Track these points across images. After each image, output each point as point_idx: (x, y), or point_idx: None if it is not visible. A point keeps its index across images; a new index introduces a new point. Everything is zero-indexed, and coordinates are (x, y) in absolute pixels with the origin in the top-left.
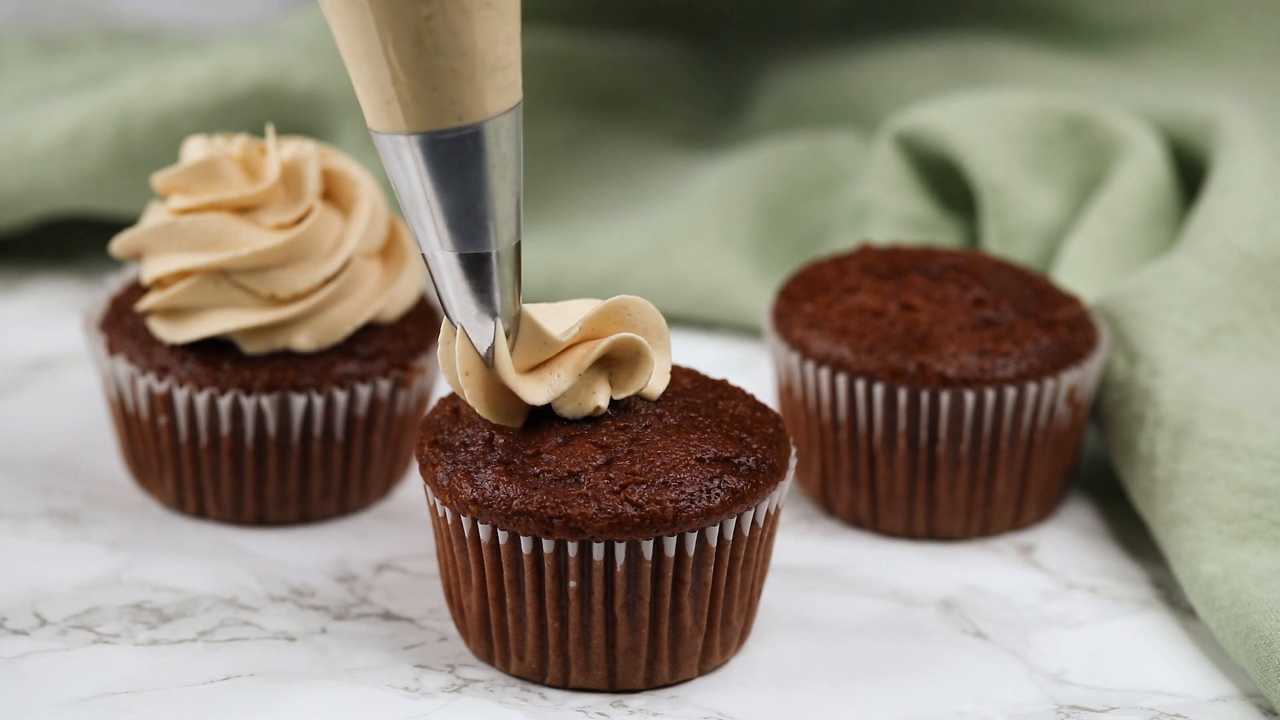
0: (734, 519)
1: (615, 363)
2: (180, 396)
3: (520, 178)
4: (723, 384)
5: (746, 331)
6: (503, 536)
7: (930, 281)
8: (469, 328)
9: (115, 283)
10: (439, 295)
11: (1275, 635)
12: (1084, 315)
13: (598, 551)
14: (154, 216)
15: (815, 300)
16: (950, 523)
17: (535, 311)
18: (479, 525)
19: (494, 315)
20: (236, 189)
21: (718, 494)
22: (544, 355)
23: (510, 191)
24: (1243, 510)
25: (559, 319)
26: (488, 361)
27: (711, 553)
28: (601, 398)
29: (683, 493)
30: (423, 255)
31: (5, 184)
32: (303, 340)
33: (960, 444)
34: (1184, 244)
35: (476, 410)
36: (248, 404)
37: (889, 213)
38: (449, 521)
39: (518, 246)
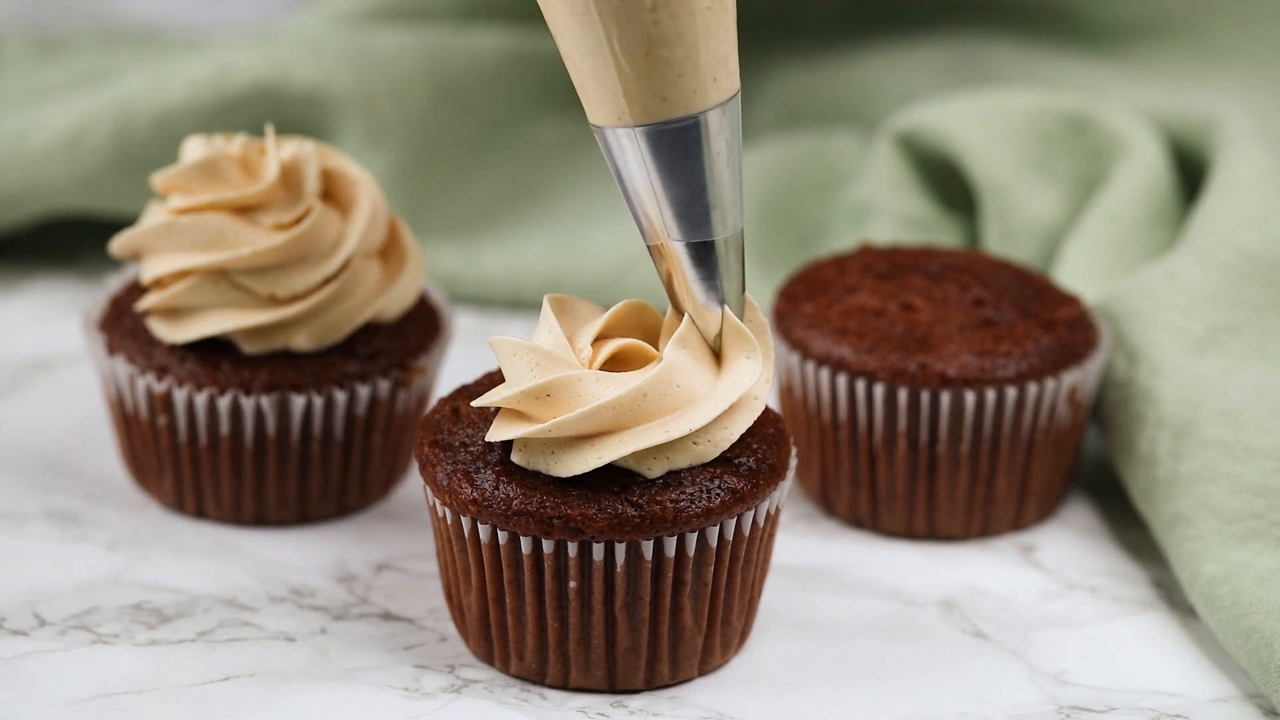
0: (734, 519)
1: (620, 362)
2: (180, 396)
3: (740, 165)
4: None
5: None
6: (503, 537)
7: (930, 281)
8: (697, 316)
9: (115, 282)
10: (666, 287)
11: (1276, 636)
12: (1084, 315)
13: (598, 552)
14: (153, 216)
15: (815, 300)
16: (951, 523)
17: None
18: (479, 525)
19: (720, 302)
20: (236, 189)
21: (718, 494)
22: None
23: (732, 179)
24: (1243, 510)
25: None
26: (715, 349)
27: (711, 553)
28: None
29: (683, 493)
30: (648, 247)
31: (5, 184)
32: (302, 340)
33: (960, 444)
34: (1184, 244)
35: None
36: (247, 404)
37: (889, 213)
38: (449, 521)
39: (740, 234)
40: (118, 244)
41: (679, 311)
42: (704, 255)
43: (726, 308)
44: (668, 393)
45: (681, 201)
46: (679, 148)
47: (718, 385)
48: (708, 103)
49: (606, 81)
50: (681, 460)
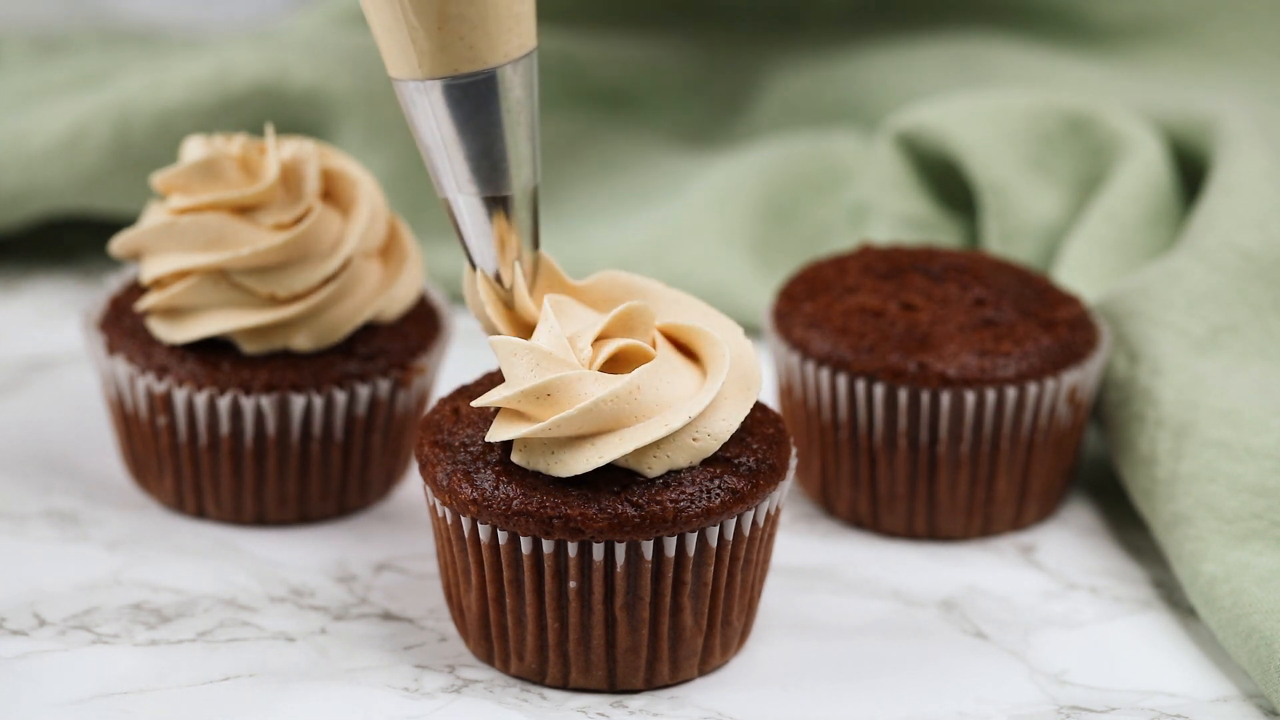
0: (734, 519)
1: (620, 363)
2: (179, 396)
3: (536, 123)
4: None
5: (746, 331)
6: (502, 537)
7: (931, 281)
8: (488, 270)
9: (115, 282)
10: (460, 240)
11: (1276, 636)
12: (1084, 315)
13: (598, 552)
14: (153, 216)
15: (815, 300)
16: (951, 523)
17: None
18: (479, 525)
19: (515, 258)
20: (236, 189)
21: (718, 494)
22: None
23: (525, 136)
24: (1244, 510)
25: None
26: (508, 303)
27: (711, 553)
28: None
29: (683, 493)
30: (444, 201)
31: (5, 184)
32: (302, 340)
33: (961, 444)
34: (1185, 244)
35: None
36: (247, 404)
37: (889, 212)
38: (449, 522)
39: (535, 191)
40: (118, 244)
41: (472, 266)
42: (495, 210)
43: (517, 263)
44: (662, 386)
45: (472, 156)
46: (469, 102)
47: (707, 380)
48: (500, 58)
49: (399, 35)
50: (681, 458)
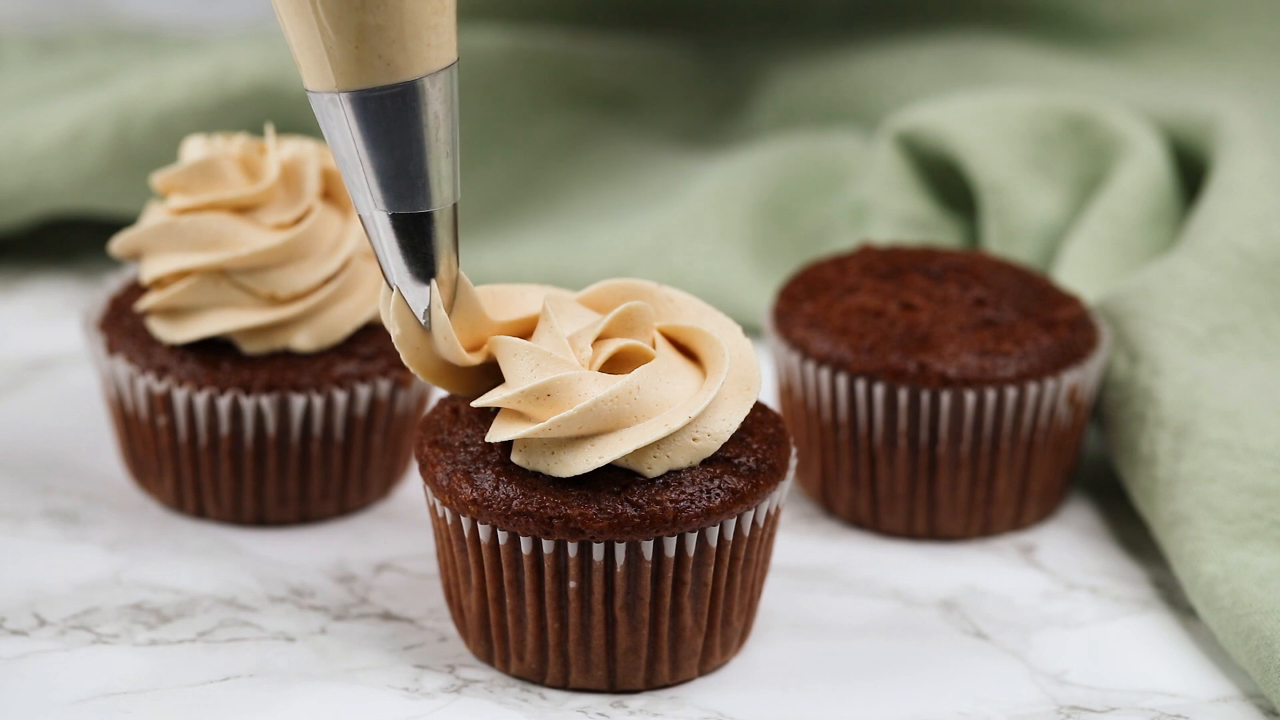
0: (734, 519)
1: (621, 363)
2: (179, 396)
3: (455, 139)
4: None
5: (746, 331)
6: (502, 537)
7: (931, 281)
8: (404, 290)
9: (114, 282)
10: (377, 257)
11: (1276, 636)
12: (1085, 315)
13: (598, 552)
14: (153, 216)
15: (815, 300)
16: (951, 523)
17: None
18: (479, 525)
19: (430, 278)
20: (236, 189)
21: (718, 494)
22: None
23: (444, 152)
24: (1244, 510)
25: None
26: (424, 325)
27: (711, 553)
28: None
29: (683, 493)
30: (360, 217)
31: (5, 184)
32: (302, 340)
33: (961, 444)
34: (1185, 244)
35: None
36: (247, 404)
37: (889, 212)
38: (449, 522)
39: (454, 209)
40: (118, 244)
41: (388, 285)
42: (411, 228)
43: (434, 283)
44: (662, 386)
45: (387, 172)
46: (385, 116)
47: (707, 380)
48: (416, 71)
49: (314, 45)
50: (681, 458)
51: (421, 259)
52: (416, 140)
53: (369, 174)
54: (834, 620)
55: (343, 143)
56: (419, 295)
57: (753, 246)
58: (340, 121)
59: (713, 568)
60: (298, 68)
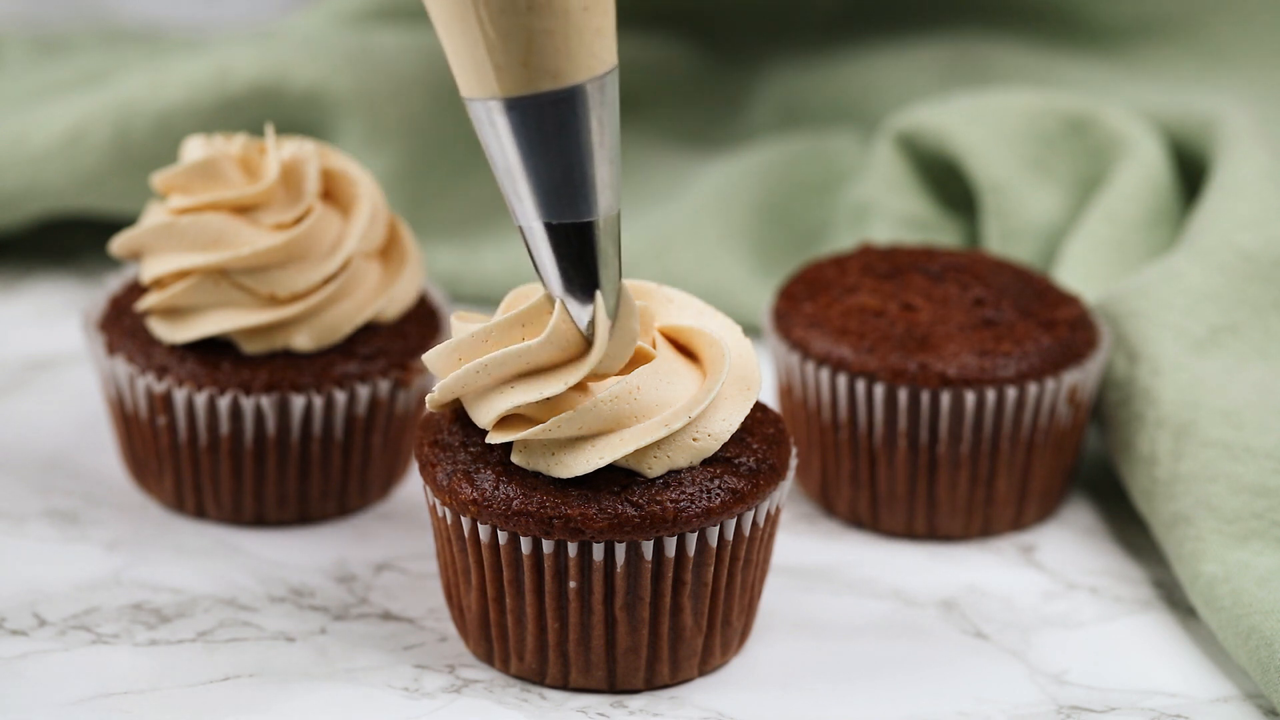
0: (734, 519)
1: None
2: (179, 396)
3: (618, 145)
4: None
5: (746, 331)
6: (502, 537)
7: (931, 281)
8: (567, 302)
9: (114, 282)
10: (536, 269)
11: (1276, 636)
12: (1084, 315)
13: (598, 552)
14: (153, 216)
15: (815, 300)
16: (951, 523)
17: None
18: (479, 525)
19: (594, 288)
20: (236, 189)
21: (718, 494)
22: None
23: (606, 158)
24: (1244, 510)
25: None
26: (587, 337)
27: (712, 553)
28: None
29: (683, 493)
30: (519, 228)
31: (5, 184)
32: (302, 340)
33: (961, 444)
34: (1184, 244)
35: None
36: (247, 404)
37: (889, 212)
38: (449, 522)
39: (617, 217)
40: (118, 244)
41: (550, 296)
42: (574, 238)
43: (599, 295)
44: (662, 386)
45: (549, 180)
46: (548, 122)
47: (707, 380)
48: (580, 76)
49: (474, 50)
50: (681, 459)
51: (585, 269)
52: (580, 147)
53: (532, 183)
54: (834, 620)
55: (500, 152)
56: (582, 307)
57: (752, 246)
58: (499, 130)
59: (713, 568)
60: (454, 74)
